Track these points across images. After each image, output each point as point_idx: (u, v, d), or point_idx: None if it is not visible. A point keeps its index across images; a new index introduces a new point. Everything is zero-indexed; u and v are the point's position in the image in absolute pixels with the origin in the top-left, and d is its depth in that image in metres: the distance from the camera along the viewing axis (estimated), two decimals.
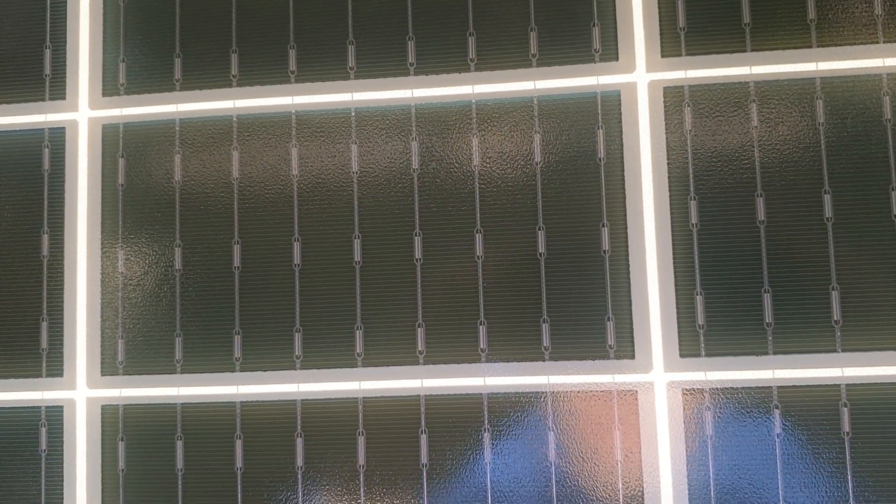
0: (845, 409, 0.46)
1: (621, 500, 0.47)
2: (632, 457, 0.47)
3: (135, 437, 0.50)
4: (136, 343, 0.51)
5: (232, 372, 0.50)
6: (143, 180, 0.52)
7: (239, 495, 0.49)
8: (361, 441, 0.49)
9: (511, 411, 0.48)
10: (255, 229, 0.51)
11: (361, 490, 0.48)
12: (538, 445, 0.47)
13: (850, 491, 0.45)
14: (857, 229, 0.47)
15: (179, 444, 0.50)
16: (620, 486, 0.47)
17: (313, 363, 0.50)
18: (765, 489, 0.46)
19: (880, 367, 0.46)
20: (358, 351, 0.49)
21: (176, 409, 0.50)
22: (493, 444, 0.48)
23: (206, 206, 0.51)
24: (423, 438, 0.48)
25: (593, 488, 0.47)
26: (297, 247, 0.50)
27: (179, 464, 0.50)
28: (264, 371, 0.50)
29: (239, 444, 0.50)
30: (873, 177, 0.47)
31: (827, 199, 0.47)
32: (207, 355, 0.50)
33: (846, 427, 0.46)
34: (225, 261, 0.51)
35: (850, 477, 0.45)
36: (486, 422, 0.48)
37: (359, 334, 0.49)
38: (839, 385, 0.46)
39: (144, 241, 0.51)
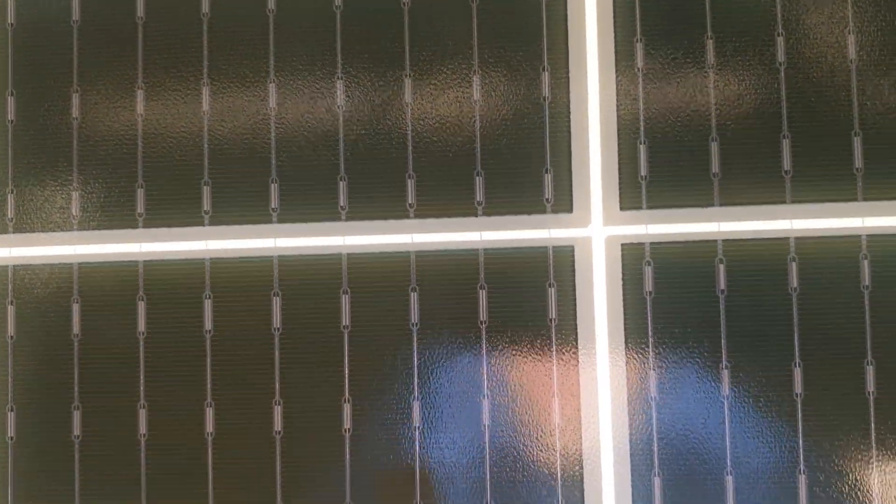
0: (794, 264, 0.43)
1: (554, 352, 0.44)
2: (566, 313, 0.44)
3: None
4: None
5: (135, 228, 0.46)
6: None
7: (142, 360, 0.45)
8: (277, 302, 0.45)
9: (441, 271, 0.44)
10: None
11: (277, 353, 0.45)
12: (468, 305, 0.44)
13: (797, 346, 0.43)
14: (810, 76, 0.44)
15: (76, 307, 0.45)
16: (554, 340, 0.44)
17: (224, 219, 0.45)
18: (707, 342, 0.43)
19: (830, 220, 0.43)
20: (273, 206, 0.45)
21: (72, 270, 0.46)
22: (420, 303, 0.44)
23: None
24: (345, 299, 0.45)
25: (527, 344, 0.44)
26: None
27: (76, 329, 0.45)
28: (170, 228, 0.45)
29: (142, 305, 0.45)
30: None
31: (780, 41, 0.44)
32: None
33: (794, 283, 0.43)
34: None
35: (796, 333, 0.43)
36: (413, 281, 0.44)
37: (274, 188, 0.45)
38: (788, 238, 0.43)
39: None
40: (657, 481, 0.43)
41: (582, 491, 0.43)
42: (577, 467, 0.43)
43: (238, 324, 0.45)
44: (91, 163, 0.46)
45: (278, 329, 0.45)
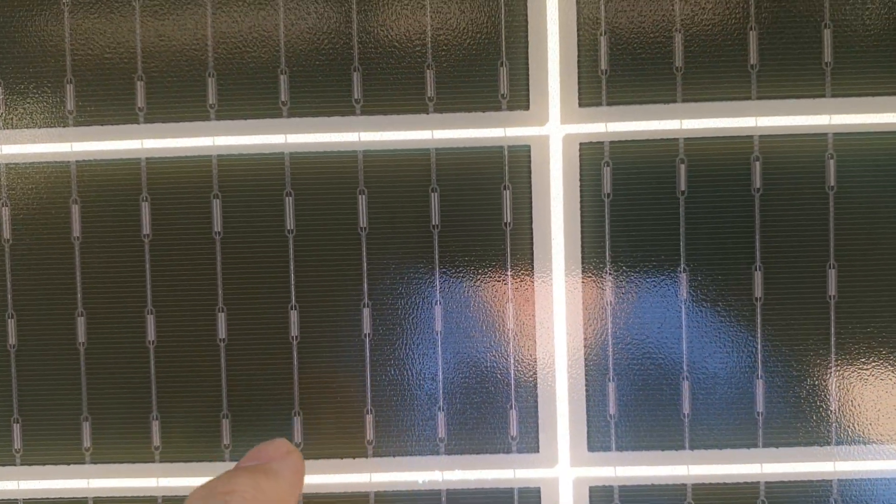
0: (757, 164, 0.41)
1: (508, 256, 0.42)
2: (522, 218, 0.42)
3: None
4: None
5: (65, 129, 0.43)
6: None
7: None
8: (217, 204, 0.42)
9: (389, 170, 0.42)
10: None
11: (218, 255, 0.43)
12: (420, 208, 0.42)
13: (758, 248, 0.41)
14: None
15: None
16: (508, 247, 0.42)
17: (159, 116, 0.42)
18: (666, 245, 0.42)
19: (795, 118, 0.41)
20: (210, 102, 0.42)
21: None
22: (368, 206, 0.42)
23: None
24: (289, 201, 0.42)
25: (481, 250, 0.42)
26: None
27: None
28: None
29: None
30: None
31: None
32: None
33: (757, 183, 0.41)
34: None
35: (757, 235, 0.41)
36: (361, 183, 0.42)
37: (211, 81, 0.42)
38: (752, 137, 0.41)
39: None
40: (612, 386, 0.42)
41: (535, 397, 0.42)
42: (531, 373, 0.42)
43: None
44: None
45: (219, 233, 0.42)
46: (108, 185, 0.42)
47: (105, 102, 0.42)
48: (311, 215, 0.42)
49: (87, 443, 0.43)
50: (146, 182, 0.42)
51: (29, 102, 0.42)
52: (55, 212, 0.42)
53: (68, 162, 0.42)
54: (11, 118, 0.43)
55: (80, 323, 0.42)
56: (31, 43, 0.42)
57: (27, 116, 0.43)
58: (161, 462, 0.43)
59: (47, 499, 0.43)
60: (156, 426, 0.43)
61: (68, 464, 0.43)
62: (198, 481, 0.42)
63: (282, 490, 0.33)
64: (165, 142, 0.42)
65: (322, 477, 0.42)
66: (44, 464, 0.43)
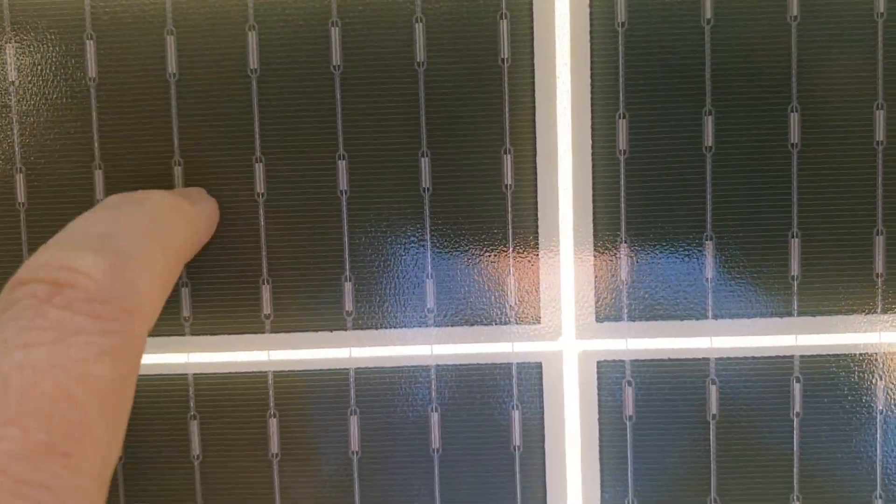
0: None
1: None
2: (520, 61, 0.36)
3: None
4: None
5: None
6: None
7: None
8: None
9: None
10: None
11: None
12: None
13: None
14: None
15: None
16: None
17: None
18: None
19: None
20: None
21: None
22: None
23: None
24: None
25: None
26: None
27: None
28: None
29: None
30: None
31: None
32: None
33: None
34: None
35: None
36: (334, 15, 0.36)
37: None
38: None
39: None
40: (623, 248, 0.36)
41: (536, 260, 0.36)
42: (531, 234, 0.36)
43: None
44: None
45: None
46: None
47: None
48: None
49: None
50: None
51: None
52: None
53: None
54: None
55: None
56: None
57: None
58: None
59: None
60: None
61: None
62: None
63: (197, 214, 0.33)
64: None
65: (296, 353, 0.37)
66: None
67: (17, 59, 0.37)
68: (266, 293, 0.37)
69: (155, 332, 0.35)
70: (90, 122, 0.37)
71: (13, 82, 0.37)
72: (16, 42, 0.37)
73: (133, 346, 0.25)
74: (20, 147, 0.37)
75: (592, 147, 0.36)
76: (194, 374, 0.37)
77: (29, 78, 0.37)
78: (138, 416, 0.37)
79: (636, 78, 0.36)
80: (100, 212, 0.29)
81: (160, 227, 0.29)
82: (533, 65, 0.36)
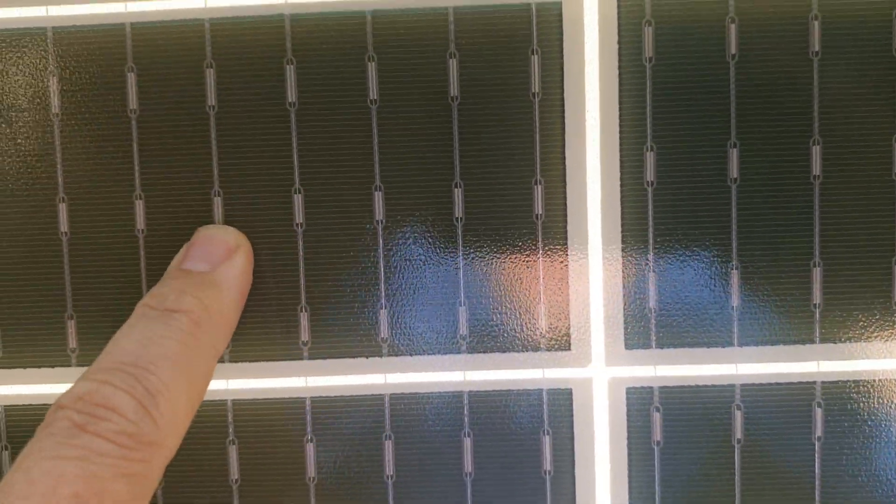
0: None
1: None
2: (550, 94, 0.37)
3: None
4: None
5: None
6: None
7: None
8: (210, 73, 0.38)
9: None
10: None
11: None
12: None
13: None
14: None
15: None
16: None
17: None
18: (714, 126, 0.37)
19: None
20: None
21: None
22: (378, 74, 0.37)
23: None
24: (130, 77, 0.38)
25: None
26: None
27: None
28: None
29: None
30: None
31: None
32: None
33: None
34: None
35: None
36: (370, 49, 0.37)
37: None
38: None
39: None
40: (652, 277, 0.37)
41: (567, 287, 0.37)
42: (562, 264, 0.37)
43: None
44: None
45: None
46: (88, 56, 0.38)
47: None
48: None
49: (72, 343, 0.39)
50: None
51: None
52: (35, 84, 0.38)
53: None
54: None
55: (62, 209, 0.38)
56: None
57: None
58: None
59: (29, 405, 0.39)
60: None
61: (52, 366, 0.39)
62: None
63: (227, 306, 0.34)
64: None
65: (333, 378, 0.38)
66: (25, 367, 0.39)
67: (62, 90, 0.38)
68: (304, 320, 0.38)
69: None
70: (131, 153, 0.38)
71: (56, 114, 0.38)
72: (59, 74, 0.37)
73: (151, 473, 0.29)
74: (63, 176, 0.38)
75: (621, 178, 0.37)
76: (233, 399, 0.38)
77: (72, 110, 0.38)
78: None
79: (663, 112, 0.37)
80: (133, 332, 0.32)
81: (188, 355, 0.32)
82: (563, 99, 0.37)
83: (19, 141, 0.38)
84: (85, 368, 0.38)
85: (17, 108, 0.38)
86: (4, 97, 0.38)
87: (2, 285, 0.38)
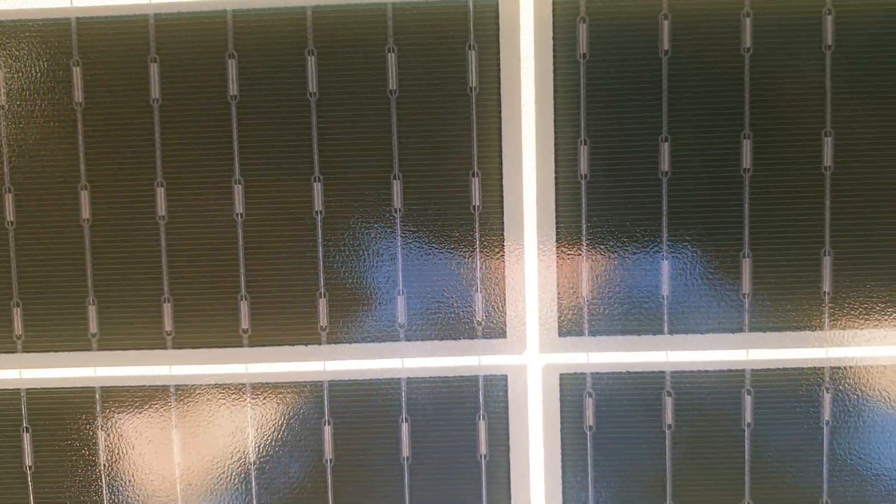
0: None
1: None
2: (487, 90, 0.38)
3: None
4: None
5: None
6: None
7: None
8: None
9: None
10: None
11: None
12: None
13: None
14: None
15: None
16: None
17: None
18: (646, 121, 0.38)
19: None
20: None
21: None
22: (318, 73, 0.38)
23: None
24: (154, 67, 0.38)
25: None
26: None
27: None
28: None
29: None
30: None
31: None
32: None
33: (747, 42, 0.37)
34: None
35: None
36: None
37: None
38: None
39: None
40: (585, 266, 0.38)
41: (503, 278, 0.38)
42: (498, 252, 0.38)
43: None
44: None
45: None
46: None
47: None
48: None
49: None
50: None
51: None
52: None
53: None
54: None
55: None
56: None
57: None
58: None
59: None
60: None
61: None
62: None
63: None
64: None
65: (271, 365, 0.39)
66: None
67: (7, 83, 0.38)
68: (244, 308, 0.39)
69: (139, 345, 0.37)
70: (77, 146, 0.38)
71: (2, 106, 0.38)
72: (4, 68, 0.38)
73: None
74: (9, 169, 0.39)
75: (556, 171, 0.38)
76: (175, 385, 0.39)
77: (18, 102, 0.38)
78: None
79: (597, 107, 0.38)
80: None
81: None
82: (500, 93, 0.38)
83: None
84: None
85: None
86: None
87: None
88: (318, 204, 0.38)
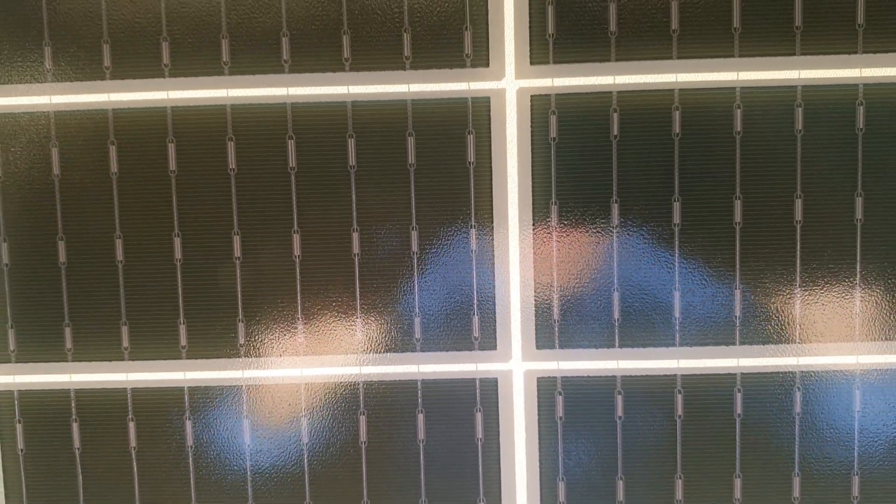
0: (677, 113, 0.50)
1: (472, 187, 0.51)
2: (482, 163, 0.51)
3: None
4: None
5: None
6: None
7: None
8: (231, 146, 0.51)
9: (375, 119, 0.51)
10: None
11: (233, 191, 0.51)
12: (399, 149, 0.51)
13: (677, 184, 0.51)
14: None
15: (55, 151, 0.51)
16: (472, 184, 0.51)
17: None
18: (601, 178, 0.51)
19: (708, 74, 0.50)
20: (224, 60, 0.51)
21: (50, 118, 0.51)
22: (357, 148, 0.51)
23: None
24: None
25: (448, 188, 0.51)
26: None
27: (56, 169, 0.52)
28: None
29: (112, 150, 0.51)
30: None
31: None
32: None
33: (676, 129, 0.50)
34: None
35: (676, 173, 0.51)
36: (350, 129, 0.51)
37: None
38: (673, 91, 0.50)
39: None
40: (556, 297, 0.51)
41: (494, 306, 0.51)
42: (489, 289, 0.51)
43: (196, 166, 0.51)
44: None
45: (233, 170, 0.51)
46: (139, 130, 0.51)
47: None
48: (311, 155, 0.51)
49: (125, 342, 0.52)
50: (171, 126, 0.51)
51: None
52: (95, 153, 0.51)
53: (106, 110, 0.51)
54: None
55: (118, 245, 0.52)
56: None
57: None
58: (187, 359, 0.52)
59: (93, 389, 0.53)
60: (182, 329, 0.52)
61: (109, 360, 0.52)
62: (216, 374, 0.52)
63: None
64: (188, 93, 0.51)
65: (317, 370, 0.52)
66: (90, 360, 0.52)
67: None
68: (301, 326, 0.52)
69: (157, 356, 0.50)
70: (172, 206, 0.51)
71: (115, 172, 0.51)
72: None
73: None
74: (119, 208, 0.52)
75: (533, 225, 0.51)
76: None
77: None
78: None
79: (564, 176, 0.51)
80: None
81: None
82: (491, 166, 0.51)
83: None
84: (135, 362, 0.52)
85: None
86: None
87: (72, 292, 0.52)
88: (356, 248, 0.51)
